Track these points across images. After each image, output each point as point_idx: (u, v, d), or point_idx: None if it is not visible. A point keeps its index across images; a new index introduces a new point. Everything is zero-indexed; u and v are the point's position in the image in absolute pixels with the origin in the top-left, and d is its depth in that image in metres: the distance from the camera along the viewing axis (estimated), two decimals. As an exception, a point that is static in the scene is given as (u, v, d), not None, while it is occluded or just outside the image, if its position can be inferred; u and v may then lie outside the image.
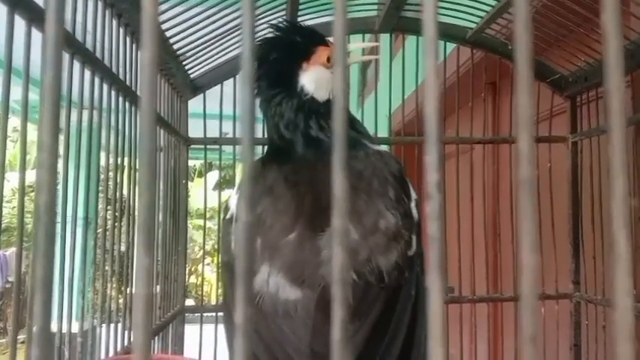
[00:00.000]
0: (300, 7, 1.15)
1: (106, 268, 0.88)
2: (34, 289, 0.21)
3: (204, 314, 1.33)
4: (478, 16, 1.20)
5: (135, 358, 0.20)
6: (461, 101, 1.31)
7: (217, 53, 1.23)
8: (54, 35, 0.21)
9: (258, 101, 0.84)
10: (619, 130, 0.19)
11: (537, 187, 1.26)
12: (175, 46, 1.13)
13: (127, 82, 0.94)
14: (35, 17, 0.62)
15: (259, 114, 0.87)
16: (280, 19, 0.96)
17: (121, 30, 0.92)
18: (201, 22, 1.08)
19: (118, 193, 0.93)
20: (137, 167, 0.91)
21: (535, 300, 0.20)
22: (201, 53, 1.21)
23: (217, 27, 1.12)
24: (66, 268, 0.75)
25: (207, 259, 6.23)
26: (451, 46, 1.35)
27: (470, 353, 1.27)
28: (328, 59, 0.84)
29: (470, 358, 1.28)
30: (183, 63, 1.21)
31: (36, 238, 0.21)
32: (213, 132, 1.34)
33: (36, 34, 0.60)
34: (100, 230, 0.87)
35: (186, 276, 1.48)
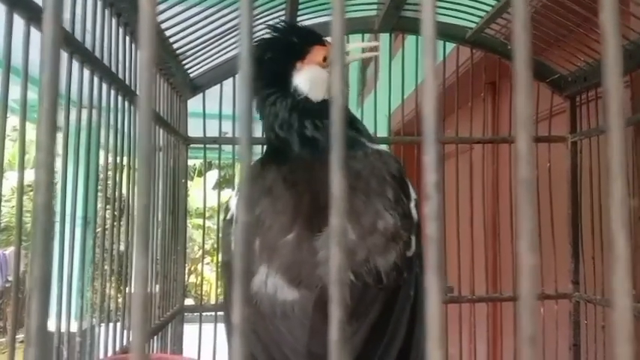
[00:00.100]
0: (300, 6, 1.15)
1: (105, 267, 0.88)
2: (32, 289, 0.21)
3: (204, 314, 1.33)
4: (478, 16, 1.20)
5: (132, 358, 0.20)
6: (460, 101, 1.31)
7: (217, 53, 1.23)
8: (51, 34, 0.21)
9: (254, 101, 0.84)
10: (618, 131, 0.19)
11: (537, 187, 1.26)
12: (175, 46, 1.12)
13: (127, 82, 0.94)
14: (34, 16, 0.62)
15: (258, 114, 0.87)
16: (278, 20, 0.96)
17: (120, 29, 0.92)
18: (200, 21, 1.08)
19: (117, 193, 0.92)
20: (136, 167, 0.91)
21: (534, 300, 0.20)
22: (200, 53, 1.21)
23: (217, 26, 1.12)
24: (65, 268, 0.75)
25: (207, 259, 6.23)
26: (451, 46, 1.35)
27: (469, 353, 1.27)
28: (325, 58, 0.84)
29: (469, 358, 1.28)
30: (183, 62, 1.21)
31: (33, 238, 0.21)
32: (212, 131, 1.34)
33: (35, 34, 0.60)
34: (99, 230, 0.87)
35: (186, 275, 1.48)
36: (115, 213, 0.93)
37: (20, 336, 0.70)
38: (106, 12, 0.87)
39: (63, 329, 0.74)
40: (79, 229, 0.83)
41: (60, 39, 0.22)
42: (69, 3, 0.76)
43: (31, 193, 0.22)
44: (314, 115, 0.82)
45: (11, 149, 4.55)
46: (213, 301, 1.58)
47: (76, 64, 0.76)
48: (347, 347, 0.18)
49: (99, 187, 0.88)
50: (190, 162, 1.51)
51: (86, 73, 0.79)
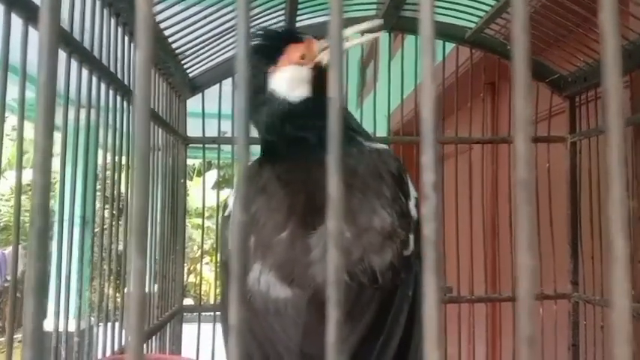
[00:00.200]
0: (299, 6, 1.15)
1: (104, 267, 0.88)
2: (27, 290, 0.20)
3: (202, 314, 1.33)
4: (477, 16, 1.20)
5: (128, 359, 0.20)
6: (460, 101, 1.31)
7: (216, 52, 1.23)
8: (48, 36, 0.21)
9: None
10: (616, 131, 0.19)
11: (536, 188, 1.26)
12: (174, 46, 1.12)
13: (125, 81, 0.94)
14: (32, 16, 0.62)
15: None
16: (272, 23, 0.95)
17: (119, 29, 0.92)
18: (199, 21, 1.08)
19: (115, 192, 0.92)
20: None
21: (532, 301, 0.20)
22: (199, 52, 1.21)
23: (216, 26, 1.12)
24: (63, 268, 0.75)
25: (206, 259, 6.23)
26: (450, 46, 1.35)
27: (468, 353, 1.27)
28: (303, 56, 0.82)
29: (468, 358, 1.28)
30: (182, 62, 1.21)
31: (30, 240, 0.21)
32: (211, 131, 1.34)
33: (33, 33, 0.60)
34: (97, 229, 0.87)
35: (185, 275, 1.48)
36: (114, 213, 0.93)
37: (18, 336, 0.70)
38: (105, 12, 0.87)
39: (61, 329, 0.74)
40: (78, 228, 0.83)
41: (57, 39, 0.22)
42: (68, 2, 0.76)
43: (30, 192, 0.22)
44: (296, 115, 0.81)
45: (10, 149, 4.54)
46: (212, 301, 1.58)
47: (74, 64, 0.76)
48: (344, 349, 0.18)
49: (97, 187, 0.87)
50: (189, 162, 1.50)
51: (85, 72, 0.79)
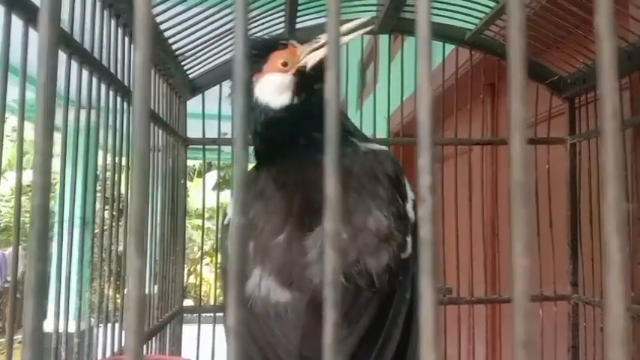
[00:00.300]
0: (299, 7, 1.15)
1: (104, 268, 0.88)
2: (27, 291, 0.21)
3: (202, 315, 1.33)
4: (477, 18, 1.20)
5: (127, 360, 0.20)
6: (459, 103, 1.31)
7: (216, 53, 1.23)
8: (48, 35, 0.21)
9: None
10: (612, 134, 0.19)
11: (536, 189, 1.26)
12: (174, 47, 1.12)
13: (125, 82, 0.94)
14: (32, 17, 0.62)
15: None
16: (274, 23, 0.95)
17: (120, 30, 0.92)
18: (200, 22, 1.08)
19: (115, 193, 0.93)
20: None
21: (528, 303, 0.20)
22: (200, 53, 1.21)
23: (216, 27, 1.12)
24: (63, 268, 0.75)
25: (206, 260, 6.23)
26: (450, 48, 1.35)
27: (468, 354, 1.27)
28: (285, 63, 0.83)
29: (468, 359, 1.28)
30: (182, 63, 1.21)
31: (30, 241, 0.21)
32: (211, 132, 1.34)
33: (34, 34, 0.60)
34: (97, 230, 0.87)
35: (185, 276, 1.48)
36: (114, 214, 0.93)
37: (18, 336, 0.70)
38: (105, 13, 0.87)
39: (61, 330, 0.74)
40: (78, 229, 0.83)
41: (57, 41, 0.22)
42: (68, 4, 0.76)
43: (30, 193, 0.22)
44: (278, 122, 0.82)
45: (11, 149, 4.54)
46: (212, 302, 1.58)
47: (74, 65, 0.77)
48: (342, 350, 0.18)
49: (97, 188, 0.88)
50: (190, 163, 1.50)
51: (85, 73, 0.79)
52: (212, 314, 1.31)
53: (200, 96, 1.33)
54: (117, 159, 0.92)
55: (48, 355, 0.72)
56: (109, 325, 0.90)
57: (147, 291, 1.11)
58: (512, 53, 0.20)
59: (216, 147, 1.36)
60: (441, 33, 1.27)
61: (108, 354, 0.88)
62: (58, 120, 0.53)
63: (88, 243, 0.85)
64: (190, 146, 1.36)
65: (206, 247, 6.01)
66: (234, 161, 0.20)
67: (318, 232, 0.70)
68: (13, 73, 0.63)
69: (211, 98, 1.31)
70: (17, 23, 0.62)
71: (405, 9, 1.18)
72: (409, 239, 0.73)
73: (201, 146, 1.36)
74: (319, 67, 0.82)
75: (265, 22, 1.17)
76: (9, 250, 5.94)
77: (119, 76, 0.92)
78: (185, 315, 1.33)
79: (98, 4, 0.84)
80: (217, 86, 1.31)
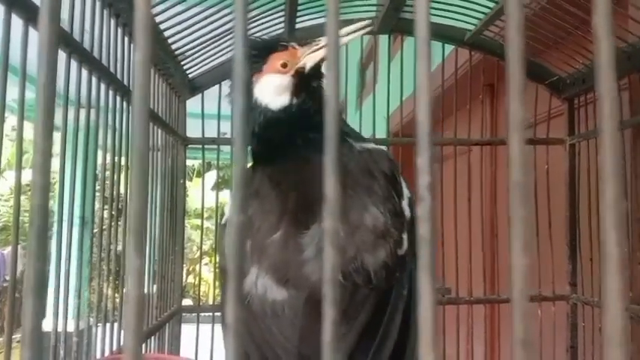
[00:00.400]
0: (299, 7, 1.15)
1: (103, 267, 0.88)
2: (26, 290, 0.21)
3: (201, 314, 1.33)
4: (476, 18, 1.20)
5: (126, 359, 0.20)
6: (459, 103, 1.31)
7: (216, 53, 1.23)
8: (48, 34, 0.21)
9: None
10: (610, 134, 0.19)
11: (535, 189, 1.27)
12: (174, 46, 1.12)
13: (125, 82, 0.94)
14: (32, 17, 0.62)
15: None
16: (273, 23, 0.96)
17: (119, 30, 0.92)
18: (199, 22, 1.08)
19: (114, 193, 0.92)
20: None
21: (526, 303, 0.20)
22: (199, 53, 1.21)
23: (216, 27, 1.12)
24: (62, 268, 0.75)
25: (205, 259, 6.23)
26: (449, 48, 1.36)
27: (467, 354, 1.27)
28: (284, 64, 0.83)
29: (467, 359, 1.28)
30: (182, 63, 1.21)
31: (29, 240, 0.21)
32: (211, 132, 1.34)
33: (33, 34, 0.60)
34: (96, 230, 0.87)
35: (184, 276, 1.49)
36: (113, 213, 0.93)
37: (17, 336, 0.70)
38: (105, 12, 0.87)
39: (60, 329, 0.74)
40: (77, 229, 0.83)
41: (56, 41, 0.22)
42: (68, 3, 0.76)
43: (30, 192, 0.23)
44: (277, 123, 0.82)
45: (10, 149, 4.54)
46: (210, 302, 1.58)
47: (74, 64, 0.77)
48: (340, 347, 0.18)
49: (97, 187, 0.88)
50: (189, 162, 1.50)
51: (84, 73, 0.79)
52: (211, 314, 1.31)
53: (199, 96, 1.33)
54: (116, 158, 0.92)
55: (47, 354, 0.72)
56: (108, 325, 0.90)
57: (146, 290, 1.11)
58: (511, 54, 0.20)
59: (215, 147, 1.36)
60: (441, 33, 1.27)
61: (107, 353, 0.88)
62: (58, 119, 0.53)
63: (87, 242, 0.85)
64: (189, 146, 1.36)
65: (205, 247, 6.01)
66: (233, 161, 0.20)
67: (315, 230, 0.70)
68: (12, 72, 0.63)
69: (211, 98, 1.31)
70: (17, 22, 0.62)
71: (404, 9, 1.19)
72: (405, 236, 0.74)
73: (200, 146, 1.36)
74: (318, 68, 0.83)
75: (265, 22, 1.17)
76: (8, 250, 5.94)
77: (119, 76, 0.92)
78: (184, 314, 1.33)
79: (98, 4, 0.84)
80: (217, 86, 1.31)
